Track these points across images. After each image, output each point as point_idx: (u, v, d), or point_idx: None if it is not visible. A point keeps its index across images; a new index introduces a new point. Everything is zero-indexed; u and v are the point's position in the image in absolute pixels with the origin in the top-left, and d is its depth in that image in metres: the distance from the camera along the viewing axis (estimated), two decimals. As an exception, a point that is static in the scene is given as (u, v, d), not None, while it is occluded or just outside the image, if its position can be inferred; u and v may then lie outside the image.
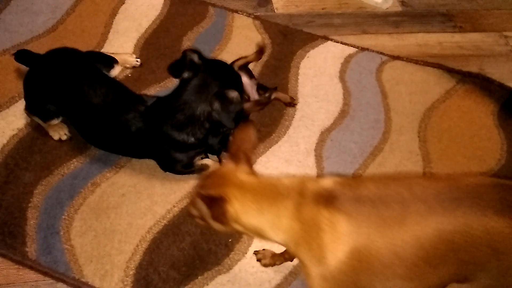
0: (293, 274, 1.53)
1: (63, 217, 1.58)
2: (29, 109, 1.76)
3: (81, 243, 1.53)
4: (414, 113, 2.08)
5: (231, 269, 1.53)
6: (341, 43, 2.36)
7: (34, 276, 1.45)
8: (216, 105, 1.53)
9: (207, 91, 1.56)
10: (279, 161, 1.84)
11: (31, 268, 1.47)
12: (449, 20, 2.59)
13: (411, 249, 0.92)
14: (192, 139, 1.58)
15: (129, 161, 1.75)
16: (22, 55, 1.83)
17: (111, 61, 1.91)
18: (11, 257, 1.47)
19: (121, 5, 2.36)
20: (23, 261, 1.47)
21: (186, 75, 1.60)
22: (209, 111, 1.55)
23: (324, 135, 1.95)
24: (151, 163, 1.74)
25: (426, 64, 2.29)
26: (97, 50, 2.13)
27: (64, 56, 1.79)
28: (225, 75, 1.65)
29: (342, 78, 2.19)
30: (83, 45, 2.08)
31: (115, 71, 1.91)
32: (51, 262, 1.47)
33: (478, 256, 0.93)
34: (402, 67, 2.27)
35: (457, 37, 2.50)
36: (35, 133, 1.79)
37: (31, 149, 1.74)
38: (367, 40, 2.42)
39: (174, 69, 1.74)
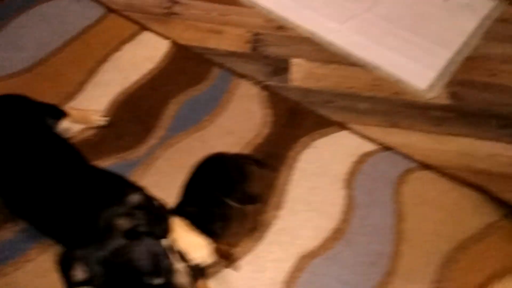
0: None
1: None
2: None
3: None
4: (435, 251, 1.55)
5: None
6: (360, 135, 1.89)
7: None
8: None
9: None
10: (233, 291, 1.39)
11: None
12: (508, 126, 2.03)
13: None
14: None
15: (41, 253, 1.38)
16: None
17: (58, 114, 1.61)
18: None
19: (116, 52, 2.07)
20: None
21: None
22: None
23: (303, 262, 1.47)
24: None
25: (465, 182, 1.76)
26: (68, 99, 1.84)
27: (4, 104, 1.51)
28: None
29: (349, 183, 1.71)
30: (53, 92, 1.84)
31: (61, 126, 1.60)
32: None
33: None
34: (432, 181, 1.75)
35: (516, 151, 1.94)
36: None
37: None
38: (395, 136, 1.93)
39: None
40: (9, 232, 1.43)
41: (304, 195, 1.65)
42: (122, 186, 1.32)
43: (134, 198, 1.19)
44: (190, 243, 1.23)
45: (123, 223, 1.08)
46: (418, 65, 2.27)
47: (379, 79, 2.20)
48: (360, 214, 1.62)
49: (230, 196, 1.46)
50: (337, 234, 1.55)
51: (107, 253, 1.04)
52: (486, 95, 2.18)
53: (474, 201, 1.71)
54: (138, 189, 1.31)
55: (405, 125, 2.00)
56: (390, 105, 2.08)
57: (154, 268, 1.06)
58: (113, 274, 1.03)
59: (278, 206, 1.61)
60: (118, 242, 1.05)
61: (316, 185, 1.69)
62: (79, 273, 1.03)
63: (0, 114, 1.47)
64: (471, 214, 1.66)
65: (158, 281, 1.06)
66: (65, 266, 1.06)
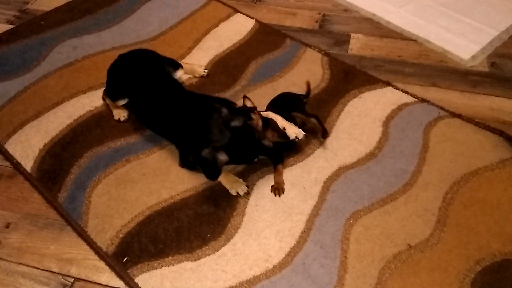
0: (249, 282, 1.61)
1: (94, 178, 1.95)
2: (106, 91, 2.23)
3: (97, 201, 1.87)
4: (451, 173, 1.94)
5: (198, 259, 1.68)
6: (402, 91, 2.32)
7: (55, 215, 1.84)
8: None
9: None
10: (285, 182, 1.93)
11: (55, 209, 1.85)
12: (541, 89, 2.31)
13: None
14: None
15: (161, 149, 2.06)
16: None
17: (177, 65, 2.29)
18: (46, 197, 1.89)
19: (214, 27, 2.76)
20: (53, 202, 1.87)
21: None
22: None
23: (341, 170, 1.96)
24: (175, 156, 2.01)
25: (487, 128, 2.10)
26: (180, 58, 2.54)
27: (141, 55, 2.25)
28: None
29: (385, 123, 2.16)
30: (170, 53, 2.53)
31: (178, 74, 2.27)
32: (70, 209, 1.84)
33: None
34: (458, 126, 2.13)
35: (542, 110, 2.21)
36: (104, 113, 2.23)
37: (96, 123, 2.18)
38: (433, 93, 2.33)
39: None
40: (139, 136, 2.13)
41: (348, 128, 2.14)
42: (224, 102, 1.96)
43: (224, 110, 1.80)
44: (286, 125, 1.87)
45: (237, 121, 1.73)
46: (465, 41, 2.62)
47: (427, 50, 2.59)
48: (391, 144, 2.06)
49: (298, 111, 2.07)
50: (370, 156, 2.02)
51: (231, 136, 1.71)
52: (526, 65, 2.46)
53: (494, 141, 2.05)
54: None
55: (444, 85, 2.38)
56: (433, 70, 2.47)
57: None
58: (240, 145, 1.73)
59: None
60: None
61: (358, 122, 2.17)
62: (223, 156, 1.71)
63: (138, 59, 2.20)
64: (488, 151, 2.01)
65: None
66: (204, 159, 1.70)
